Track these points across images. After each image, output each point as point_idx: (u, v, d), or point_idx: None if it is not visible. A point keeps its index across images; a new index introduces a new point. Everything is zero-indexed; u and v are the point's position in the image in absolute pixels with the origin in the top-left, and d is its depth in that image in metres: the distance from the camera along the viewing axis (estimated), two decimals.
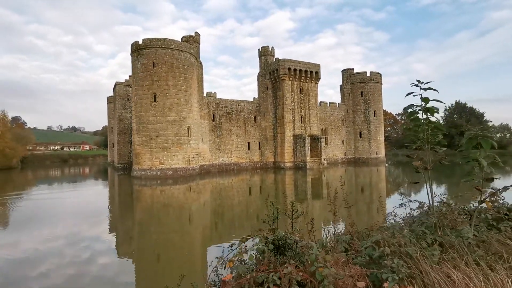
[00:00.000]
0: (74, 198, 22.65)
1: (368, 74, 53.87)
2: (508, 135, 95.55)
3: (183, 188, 26.18)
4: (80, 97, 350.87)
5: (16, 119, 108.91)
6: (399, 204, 4.46)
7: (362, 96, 53.83)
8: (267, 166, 45.03)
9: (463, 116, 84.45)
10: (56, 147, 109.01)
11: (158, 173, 32.72)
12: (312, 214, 16.49)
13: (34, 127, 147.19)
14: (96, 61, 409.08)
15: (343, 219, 5.13)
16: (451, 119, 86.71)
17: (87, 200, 22.23)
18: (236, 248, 2.34)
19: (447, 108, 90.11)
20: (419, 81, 3.34)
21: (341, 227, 6.10)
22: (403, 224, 3.69)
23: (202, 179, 31.99)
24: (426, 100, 3.26)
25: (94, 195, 25.39)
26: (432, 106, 3.30)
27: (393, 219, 4.59)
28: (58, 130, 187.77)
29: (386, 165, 52.35)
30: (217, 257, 2.41)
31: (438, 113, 3.30)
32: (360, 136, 54.35)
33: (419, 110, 3.32)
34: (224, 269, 2.26)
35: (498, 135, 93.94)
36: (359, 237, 3.24)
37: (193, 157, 35.61)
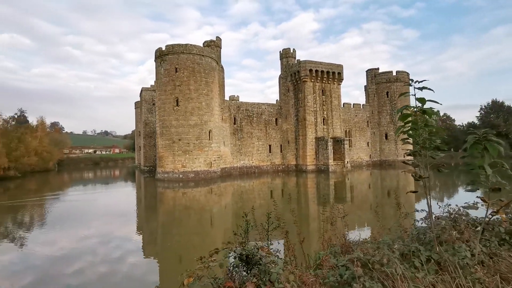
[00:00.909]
0: (104, 199, 23.79)
1: (394, 74, 51.85)
2: None
3: (205, 191, 26.49)
4: (112, 102, 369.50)
5: (54, 124, 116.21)
6: (405, 214, 4.14)
7: (387, 97, 51.88)
8: (289, 169, 44.55)
9: (501, 116, 78.78)
10: (89, 150, 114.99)
11: (180, 175, 33.40)
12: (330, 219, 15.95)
13: (71, 132, 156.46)
14: (126, 68, 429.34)
15: (349, 227, 4.84)
16: (487, 119, 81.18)
17: (116, 202, 23.27)
18: (203, 262, 2.23)
19: (483, 107, 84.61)
20: (412, 80, 3.06)
21: (352, 236, 5.77)
22: (397, 238, 3.38)
23: (224, 182, 32.22)
24: (422, 100, 2.98)
25: (122, 196, 26.47)
26: (430, 108, 3.01)
27: (399, 230, 4.28)
28: (92, 134, 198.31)
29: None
30: (186, 270, 2.30)
31: (437, 115, 3.00)
32: (386, 138, 52.33)
33: (416, 111, 3.04)
34: (183, 285, 2.14)
35: None
36: (348, 251, 3.00)
37: (215, 160, 36.01)
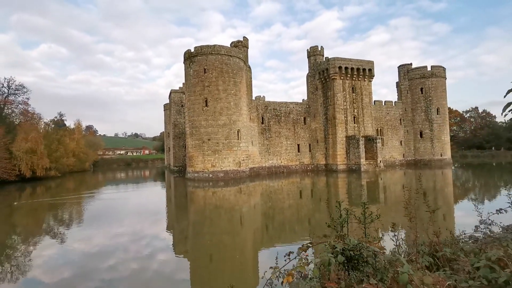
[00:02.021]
0: (136, 198, 24.41)
1: (429, 69, 49.19)
2: None
3: (234, 190, 26.39)
4: (141, 106, 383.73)
5: (89, 128, 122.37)
6: (497, 210, 3.57)
7: (422, 93, 49.30)
8: (318, 169, 43.55)
9: None
10: (121, 152, 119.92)
11: (210, 175, 33.64)
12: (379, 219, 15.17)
13: (104, 135, 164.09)
14: (154, 73, 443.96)
15: (408, 226, 4.32)
16: None
17: (147, 200, 23.75)
18: (294, 258, 1.89)
19: None
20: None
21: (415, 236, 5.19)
22: None
23: (252, 182, 32.01)
24: None
25: (153, 195, 27.04)
26: None
27: (487, 228, 3.73)
28: (123, 136, 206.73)
29: (453, 167, 47.03)
30: (271, 267, 1.98)
31: None
32: (421, 136, 49.72)
33: None
34: (282, 284, 1.81)
35: None
36: (441, 249, 2.53)
37: (243, 160, 35.94)
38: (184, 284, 7.85)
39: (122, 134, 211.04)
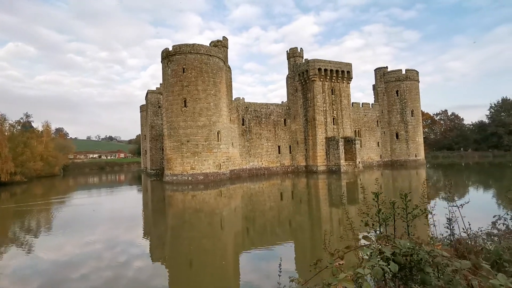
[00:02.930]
0: (110, 204, 23.08)
1: (403, 72, 50.87)
2: None
3: (214, 193, 25.72)
4: (115, 108, 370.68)
5: (59, 130, 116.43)
6: None
7: (397, 95, 50.85)
8: (299, 170, 43.58)
9: None
10: (94, 156, 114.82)
11: (189, 178, 32.60)
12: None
13: (75, 138, 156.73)
14: (129, 74, 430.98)
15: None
16: (497, 117, 79.60)
17: (122, 206, 22.49)
18: (326, 267, 1.38)
19: (493, 105, 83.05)
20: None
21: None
22: None
23: (233, 184, 31.36)
24: None
25: (129, 200, 25.68)
26: None
27: (503, 223, 3.42)
28: (96, 139, 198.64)
29: (427, 167, 48.69)
30: (291, 279, 1.46)
31: None
32: (397, 137, 51.20)
33: None
34: None
35: None
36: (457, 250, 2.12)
37: (224, 162, 35.18)
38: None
39: (95, 137, 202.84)
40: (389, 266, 1.27)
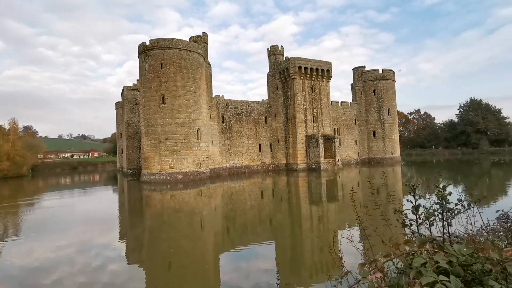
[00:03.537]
0: (83, 205, 21.87)
1: (380, 72, 52.16)
2: None
3: (194, 193, 25.11)
4: (89, 105, 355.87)
5: (27, 128, 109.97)
6: None
7: (375, 94, 52.08)
8: (279, 168, 43.57)
9: (479, 113, 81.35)
10: (66, 155, 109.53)
11: (168, 177, 31.63)
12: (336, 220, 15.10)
13: (45, 136, 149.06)
14: (104, 70, 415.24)
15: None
16: (466, 117, 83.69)
17: (96, 207, 21.39)
18: (357, 283, 1.04)
19: (462, 105, 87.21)
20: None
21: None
22: None
23: (213, 183, 30.78)
24: None
25: (104, 201, 24.50)
26: None
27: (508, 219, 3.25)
28: (68, 138, 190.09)
29: (402, 164, 50.27)
30: None
31: None
32: (374, 135, 52.48)
33: None
34: None
35: None
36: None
37: (203, 160, 34.45)
38: None
39: (67, 135, 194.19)
40: (449, 280, 0.97)
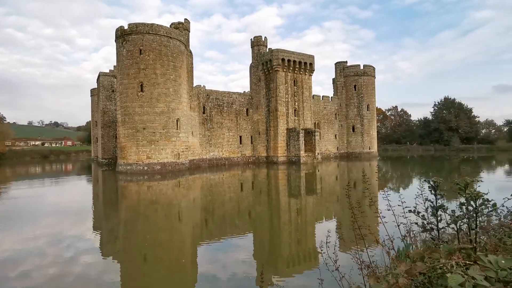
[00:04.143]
0: (55, 196, 20.75)
1: (361, 67, 52.93)
2: (493, 130, 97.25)
3: (172, 184, 24.55)
4: (62, 91, 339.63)
5: None
6: None
7: (355, 90, 52.89)
8: (260, 161, 43.52)
9: (452, 112, 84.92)
10: (36, 143, 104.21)
11: (145, 167, 30.72)
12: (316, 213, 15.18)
13: (14, 122, 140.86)
14: (79, 55, 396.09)
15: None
16: (440, 115, 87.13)
17: (68, 198, 20.32)
18: None
19: (436, 103, 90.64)
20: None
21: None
22: None
23: (192, 175, 30.25)
24: None
25: (77, 191, 23.40)
26: None
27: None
28: (39, 125, 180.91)
29: (378, 159, 51.70)
30: None
31: None
32: (353, 130, 53.48)
33: None
34: None
35: (483, 131, 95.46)
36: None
37: (183, 151, 33.71)
38: (112, 286, 6.94)
39: (38, 122, 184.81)
40: None
